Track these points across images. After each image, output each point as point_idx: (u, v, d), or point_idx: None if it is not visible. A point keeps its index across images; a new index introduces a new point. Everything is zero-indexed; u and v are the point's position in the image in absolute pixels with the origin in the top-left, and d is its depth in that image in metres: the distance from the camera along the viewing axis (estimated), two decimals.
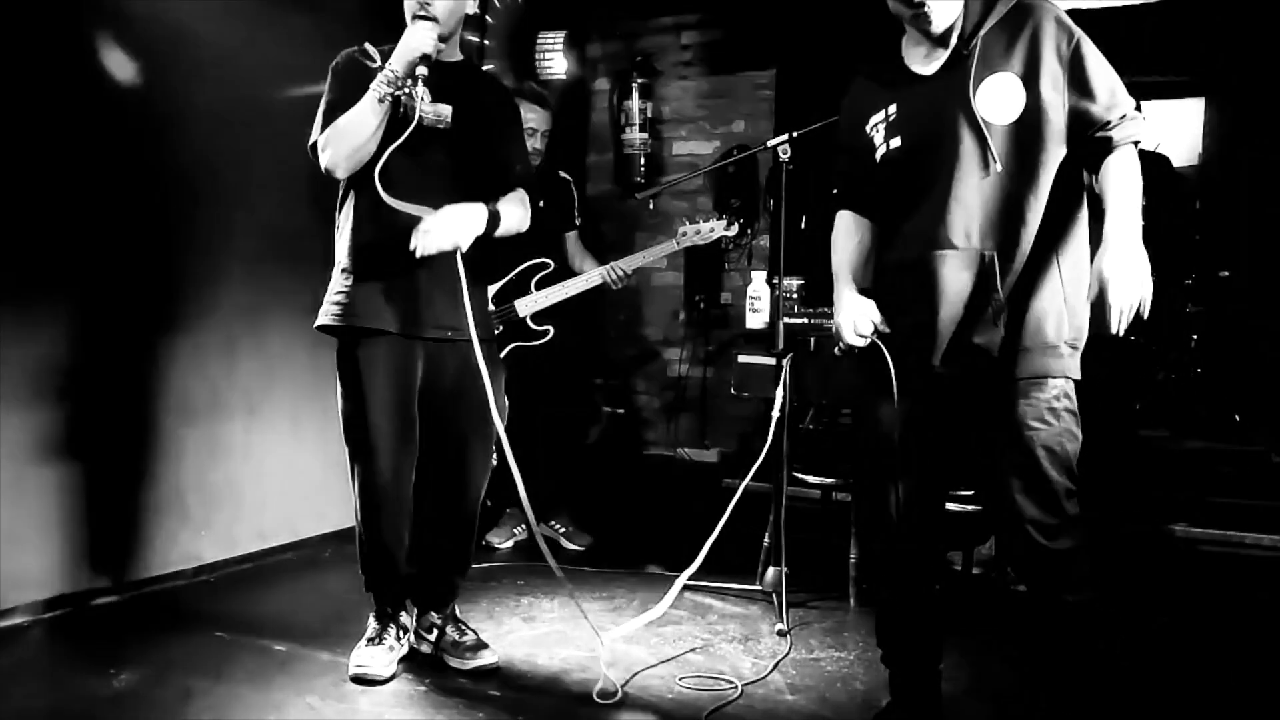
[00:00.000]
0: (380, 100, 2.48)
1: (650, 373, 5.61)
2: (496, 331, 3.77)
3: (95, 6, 3.11)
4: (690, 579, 3.43)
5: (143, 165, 3.28)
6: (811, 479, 4.10)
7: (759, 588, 3.35)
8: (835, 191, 2.39)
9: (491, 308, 3.80)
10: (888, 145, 2.19)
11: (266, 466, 3.70)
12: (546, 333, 3.94)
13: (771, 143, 3.18)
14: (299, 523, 3.84)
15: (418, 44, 2.48)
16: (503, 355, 3.86)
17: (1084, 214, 2.13)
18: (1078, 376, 2.10)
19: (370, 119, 2.49)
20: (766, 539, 3.36)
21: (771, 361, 3.24)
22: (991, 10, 2.10)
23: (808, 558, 3.65)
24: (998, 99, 2.06)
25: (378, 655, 2.65)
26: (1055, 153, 2.07)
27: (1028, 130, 2.06)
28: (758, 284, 3.58)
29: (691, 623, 3.14)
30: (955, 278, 2.09)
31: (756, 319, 3.58)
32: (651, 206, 5.48)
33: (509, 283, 3.90)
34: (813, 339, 3.28)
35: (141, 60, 3.23)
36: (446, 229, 2.52)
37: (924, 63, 2.17)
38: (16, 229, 2.94)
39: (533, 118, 3.93)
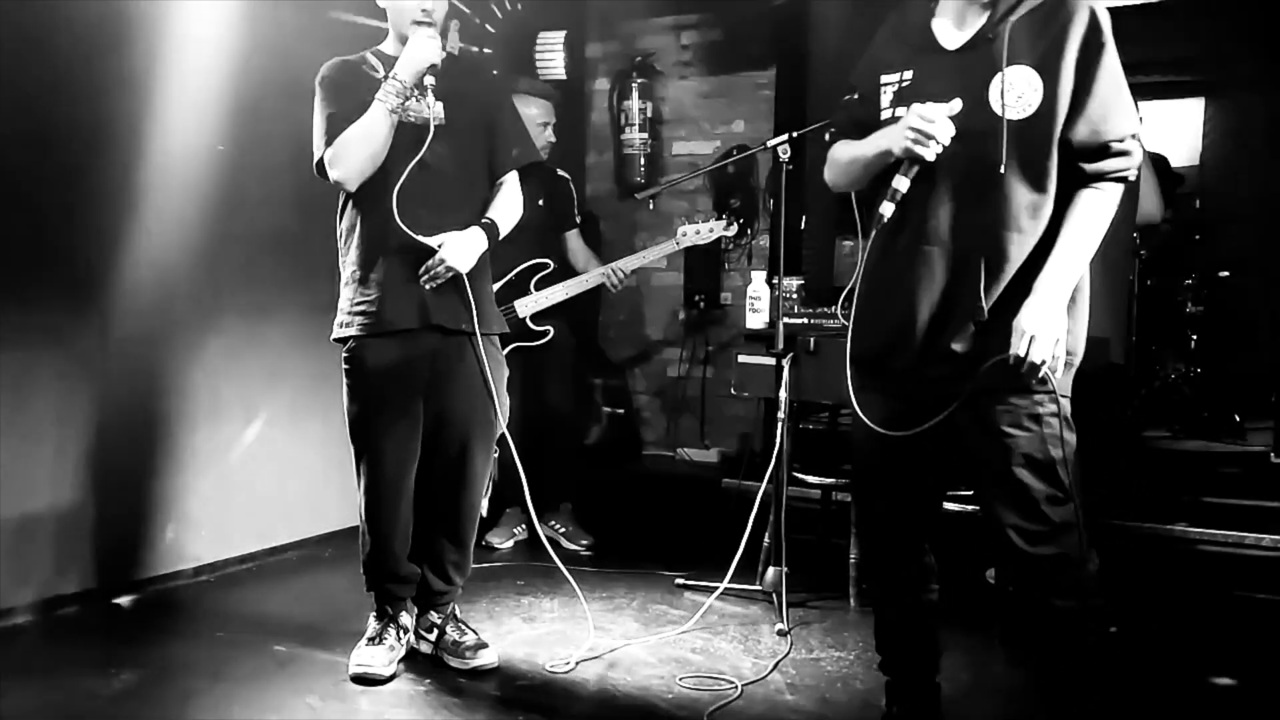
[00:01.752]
0: (392, 111, 2.49)
1: (650, 373, 5.61)
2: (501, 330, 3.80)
3: (94, 5, 3.11)
4: (689, 579, 3.44)
5: (142, 165, 3.27)
6: (811, 479, 4.10)
7: (759, 588, 3.35)
8: (832, 131, 2.26)
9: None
10: (893, 113, 2.07)
11: (266, 466, 3.70)
12: (546, 333, 3.94)
13: (771, 143, 3.18)
14: (299, 523, 3.84)
15: (426, 54, 2.48)
16: (503, 355, 3.86)
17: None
18: (1066, 393, 2.01)
19: (383, 130, 2.50)
20: (766, 539, 3.36)
21: (771, 361, 3.24)
22: (1018, 6, 1.97)
23: (808, 558, 3.65)
24: (1015, 92, 1.94)
25: (378, 655, 2.66)
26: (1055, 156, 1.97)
27: (1039, 130, 1.94)
28: (758, 284, 3.58)
29: (691, 623, 3.13)
30: (939, 277, 2.00)
31: (756, 319, 3.58)
32: (651, 206, 5.47)
33: (509, 283, 3.90)
34: (813, 339, 3.28)
35: (140, 60, 3.23)
36: (452, 261, 2.55)
37: (951, 32, 2.05)
38: (17, 230, 2.94)
39: (537, 112, 3.96)
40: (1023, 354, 1.92)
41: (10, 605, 2.94)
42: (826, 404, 4.02)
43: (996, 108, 1.95)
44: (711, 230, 3.86)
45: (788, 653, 2.90)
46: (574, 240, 4.18)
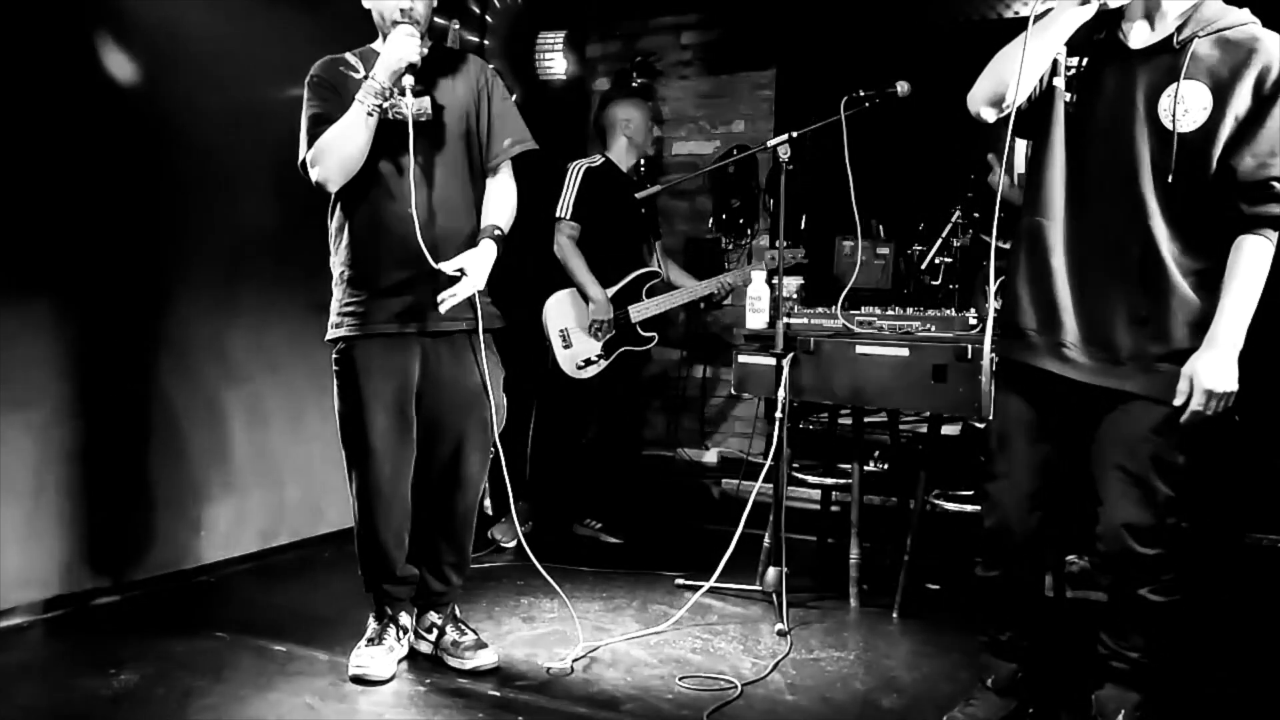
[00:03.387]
0: (369, 114, 2.48)
1: (650, 373, 5.61)
2: (607, 336, 3.97)
3: (94, 6, 3.11)
4: (690, 579, 3.44)
5: (143, 166, 3.28)
6: (811, 479, 4.10)
7: (759, 588, 3.35)
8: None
9: (610, 314, 4.00)
10: (1067, 98, 2.13)
11: (266, 466, 3.70)
12: (653, 339, 4.15)
13: (771, 143, 3.18)
14: (299, 523, 3.84)
15: (404, 53, 2.46)
16: (613, 358, 4.06)
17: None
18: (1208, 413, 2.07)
19: (360, 133, 2.49)
20: (766, 539, 3.36)
21: (771, 361, 3.24)
22: (1219, 19, 2.03)
23: (808, 558, 3.65)
24: (1186, 104, 2.00)
25: (378, 655, 2.65)
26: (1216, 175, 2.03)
27: (1198, 148, 2.01)
28: (758, 284, 3.58)
29: (691, 623, 3.14)
30: (1105, 267, 2.06)
31: (756, 319, 3.57)
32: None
33: (624, 288, 4.07)
34: (813, 339, 3.28)
35: (140, 60, 3.23)
36: (479, 283, 2.57)
37: (1137, 32, 2.09)
38: (17, 230, 2.94)
39: (645, 112, 4.19)
40: (1199, 407, 2.01)
41: (10, 605, 2.94)
42: (826, 404, 4.02)
43: (1168, 117, 2.02)
44: (793, 257, 3.98)
45: (788, 653, 2.90)
46: (661, 252, 4.36)
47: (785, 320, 3.25)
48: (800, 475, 4.08)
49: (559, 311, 4.04)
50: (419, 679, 2.67)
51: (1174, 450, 2.07)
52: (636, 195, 3.92)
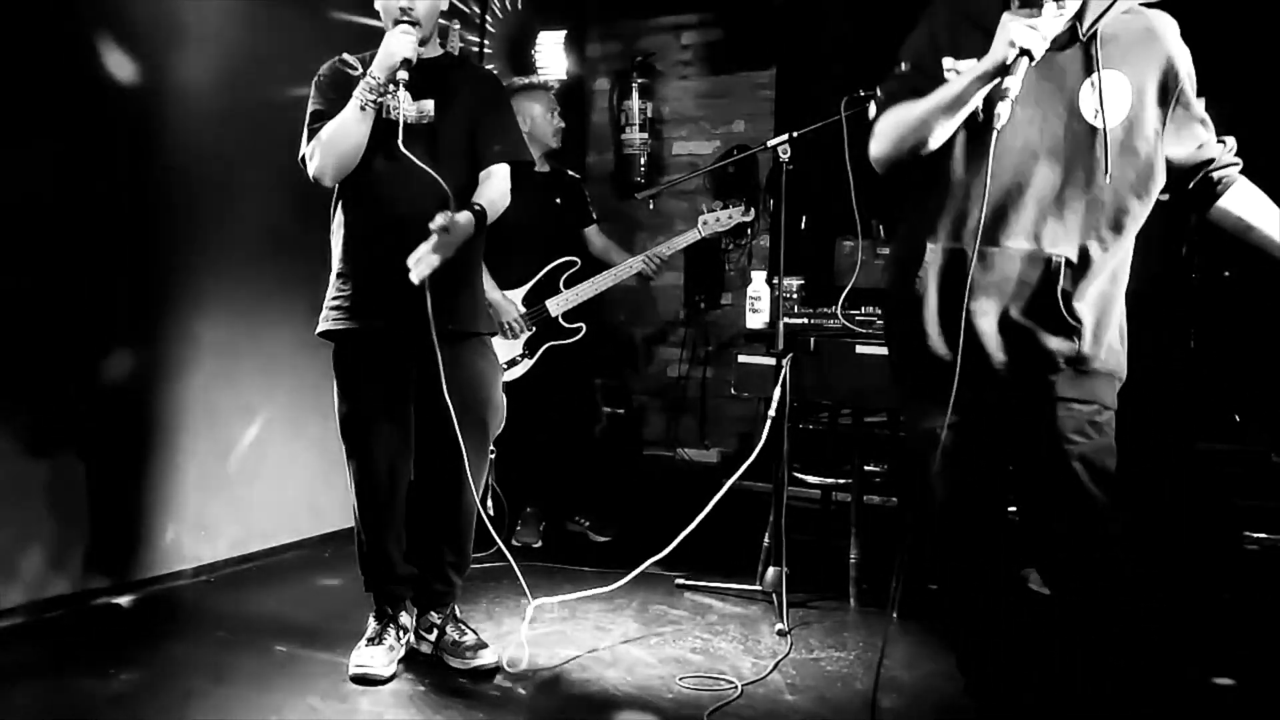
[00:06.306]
0: (363, 108, 2.51)
1: (650, 373, 5.61)
2: (529, 333, 3.88)
3: (94, 5, 3.11)
4: (690, 579, 3.44)
5: (142, 165, 3.27)
6: (811, 479, 4.11)
7: (759, 588, 3.35)
8: (882, 94, 2.07)
9: (522, 310, 3.89)
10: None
11: (266, 466, 3.70)
12: (579, 330, 4.01)
13: (771, 143, 3.19)
14: (299, 523, 3.84)
15: (398, 49, 2.49)
16: (537, 356, 3.95)
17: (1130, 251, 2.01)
18: (1115, 406, 2.03)
19: (354, 127, 2.51)
20: (766, 539, 3.36)
21: (771, 361, 3.24)
22: (1112, 7, 1.91)
23: (808, 558, 3.65)
24: (1109, 98, 1.88)
25: (378, 655, 2.66)
26: (1154, 169, 1.95)
27: (1130, 138, 1.91)
28: (758, 284, 3.58)
29: (691, 623, 3.14)
30: (1024, 280, 1.94)
31: (756, 319, 3.57)
32: (651, 206, 5.49)
33: (538, 283, 3.98)
34: (813, 339, 3.28)
35: (140, 60, 3.23)
36: (445, 245, 2.47)
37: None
38: (15, 229, 2.94)
39: (542, 107, 4.02)
40: None
41: (10, 605, 2.93)
42: (826, 404, 4.02)
43: (1092, 113, 1.90)
44: (730, 217, 3.90)
45: (788, 653, 2.90)
46: (595, 235, 4.23)
47: (785, 320, 3.26)
48: (800, 475, 4.08)
49: None
50: (419, 679, 2.67)
51: (1099, 451, 1.98)
52: (637, 196, 3.90)
